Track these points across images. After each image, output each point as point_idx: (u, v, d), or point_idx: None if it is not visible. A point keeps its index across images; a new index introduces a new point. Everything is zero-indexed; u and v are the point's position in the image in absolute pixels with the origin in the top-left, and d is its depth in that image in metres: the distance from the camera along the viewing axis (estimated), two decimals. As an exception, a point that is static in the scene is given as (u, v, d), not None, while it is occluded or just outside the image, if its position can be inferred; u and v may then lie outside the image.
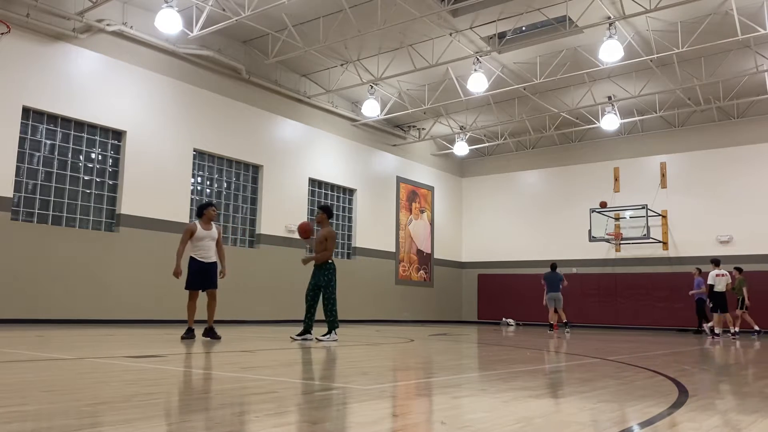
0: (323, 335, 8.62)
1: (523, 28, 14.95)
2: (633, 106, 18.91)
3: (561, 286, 15.68)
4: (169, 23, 12.40)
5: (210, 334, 8.27)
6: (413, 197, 21.92)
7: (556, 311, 15.72)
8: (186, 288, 8.41)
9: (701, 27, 13.43)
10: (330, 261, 8.80)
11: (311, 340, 8.56)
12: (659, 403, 3.57)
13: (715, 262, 14.32)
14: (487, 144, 22.19)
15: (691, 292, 16.71)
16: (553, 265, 16.16)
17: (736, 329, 14.21)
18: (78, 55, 12.92)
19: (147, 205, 13.77)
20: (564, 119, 19.81)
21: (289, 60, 16.40)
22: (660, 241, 19.66)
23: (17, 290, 11.64)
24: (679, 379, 4.85)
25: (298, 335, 8.66)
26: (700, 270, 16.34)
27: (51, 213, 12.52)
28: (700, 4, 12.85)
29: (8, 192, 11.75)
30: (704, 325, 15.97)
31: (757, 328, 15.12)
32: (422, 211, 22.31)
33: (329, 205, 9.35)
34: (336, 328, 8.74)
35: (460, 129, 21.03)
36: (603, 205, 19.20)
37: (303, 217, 17.49)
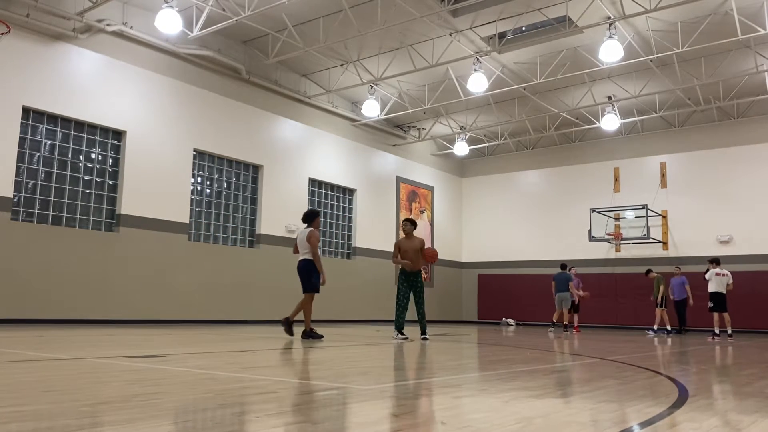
0: (423, 336, 9.68)
1: (523, 28, 14.95)
2: (633, 106, 18.91)
3: (569, 287, 15.69)
4: (169, 23, 12.41)
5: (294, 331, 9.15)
6: (413, 197, 21.92)
7: (567, 311, 15.72)
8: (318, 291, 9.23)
9: (701, 27, 13.43)
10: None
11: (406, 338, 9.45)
12: (659, 403, 3.57)
13: (715, 261, 14.27)
14: (487, 144, 22.20)
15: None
16: (563, 265, 16.19)
17: (730, 330, 14.16)
18: (78, 55, 12.93)
19: (147, 205, 13.77)
20: (564, 119, 19.81)
21: (289, 60, 16.41)
22: (660, 241, 19.66)
23: (17, 290, 11.64)
24: (679, 379, 4.85)
25: (400, 334, 9.53)
26: (679, 269, 16.56)
27: (51, 213, 12.52)
28: (700, 4, 12.85)
29: (8, 192, 11.75)
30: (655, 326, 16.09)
31: (668, 327, 15.93)
32: (422, 211, 22.31)
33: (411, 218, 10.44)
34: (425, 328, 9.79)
35: (460, 129, 21.03)
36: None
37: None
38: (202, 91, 15.18)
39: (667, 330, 15.91)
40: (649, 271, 16.65)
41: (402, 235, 10.13)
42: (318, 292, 9.23)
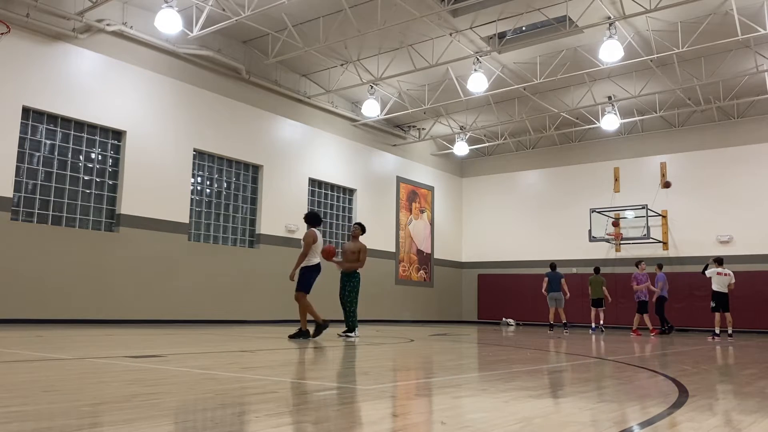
0: (344, 332, 10.09)
1: (523, 28, 14.95)
2: (633, 106, 18.91)
3: (561, 286, 15.72)
4: (169, 23, 12.40)
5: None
6: (413, 197, 21.92)
7: (562, 310, 15.75)
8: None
9: (701, 27, 13.43)
10: (358, 271, 10.51)
11: (354, 337, 9.77)
12: (659, 403, 3.57)
13: (718, 260, 14.24)
14: (487, 144, 22.20)
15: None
16: (553, 264, 16.15)
17: (730, 330, 14.11)
18: (78, 55, 12.92)
19: (147, 205, 13.76)
20: (564, 119, 19.81)
21: (289, 60, 16.40)
22: (660, 241, 19.66)
23: (17, 290, 11.63)
24: (679, 379, 4.85)
25: (343, 332, 10.04)
26: (661, 266, 16.45)
27: (51, 213, 12.52)
28: (700, 4, 12.85)
29: (8, 192, 11.75)
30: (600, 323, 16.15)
31: (601, 323, 16.30)
32: (422, 211, 22.31)
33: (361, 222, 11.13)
34: (356, 328, 10.26)
35: (460, 129, 21.03)
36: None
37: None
38: (202, 91, 15.18)
39: (592, 327, 16.21)
40: (597, 270, 16.81)
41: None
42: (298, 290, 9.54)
